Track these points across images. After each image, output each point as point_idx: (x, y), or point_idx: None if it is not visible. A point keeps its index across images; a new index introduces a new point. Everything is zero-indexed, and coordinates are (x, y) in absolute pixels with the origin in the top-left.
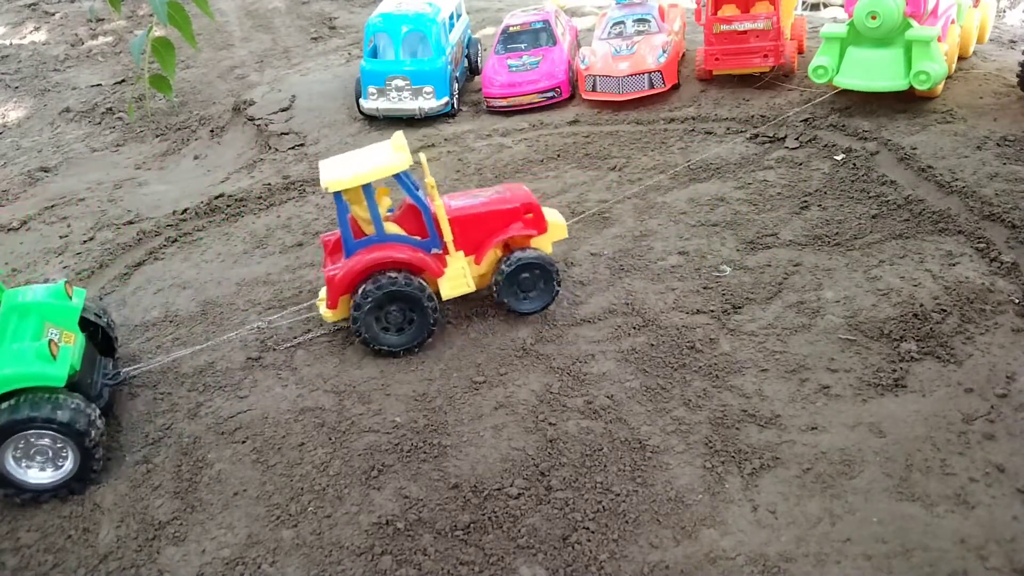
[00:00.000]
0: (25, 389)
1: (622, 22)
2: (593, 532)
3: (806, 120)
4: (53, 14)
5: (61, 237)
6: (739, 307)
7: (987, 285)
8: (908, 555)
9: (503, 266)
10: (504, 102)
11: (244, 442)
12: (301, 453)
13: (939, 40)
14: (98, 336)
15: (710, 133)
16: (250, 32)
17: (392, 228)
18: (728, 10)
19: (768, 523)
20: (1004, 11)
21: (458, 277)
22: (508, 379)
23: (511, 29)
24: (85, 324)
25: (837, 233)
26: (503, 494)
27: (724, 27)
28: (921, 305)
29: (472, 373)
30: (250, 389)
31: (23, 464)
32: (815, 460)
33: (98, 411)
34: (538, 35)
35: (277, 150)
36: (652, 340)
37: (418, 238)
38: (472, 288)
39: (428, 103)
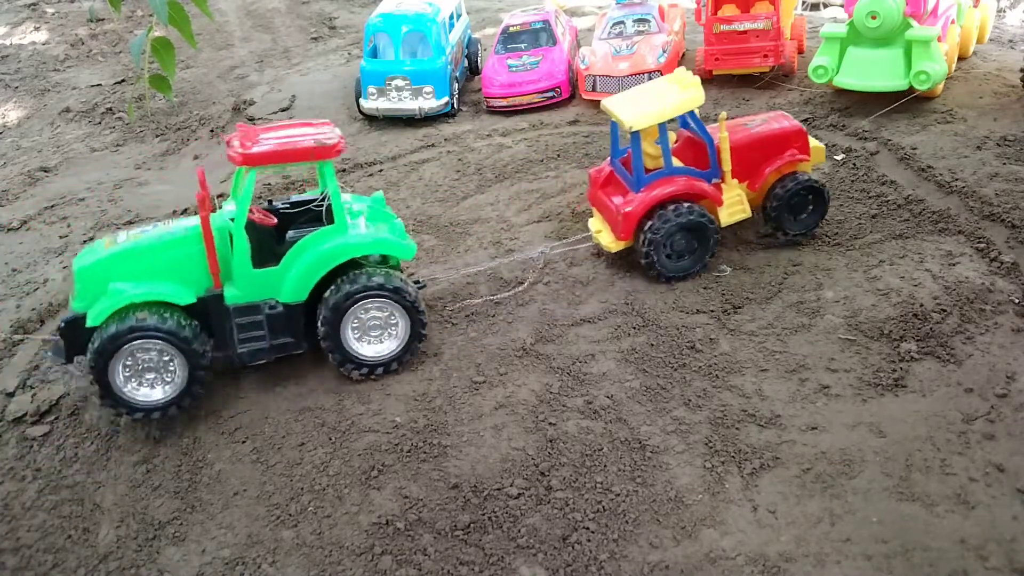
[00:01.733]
0: (357, 264)
1: (622, 22)
2: (593, 532)
3: (806, 120)
4: (53, 14)
5: (61, 237)
6: (739, 307)
7: (987, 285)
8: (908, 555)
9: (779, 190)
10: (504, 102)
11: (244, 442)
12: (301, 453)
13: (939, 40)
14: None
15: None
16: (250, 32)
17: (675, 161)
18: (728, 10)
19: (768, 523)
20: (1004, 11)
21: (735, 204)
22: (508, 379)
23: (511, 29)
24: None
25: (837, 233)
26: (503, 494)
27: (724, 27)
28: (921, 305)
29: (472, 373)
30: (250, 389)
31: (359, 338)
32: (815, 460)
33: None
34: (538, 35)
35: None
36: (652, 340)
37: (697, 170)
38: (748, 214)
39: (428, 103)
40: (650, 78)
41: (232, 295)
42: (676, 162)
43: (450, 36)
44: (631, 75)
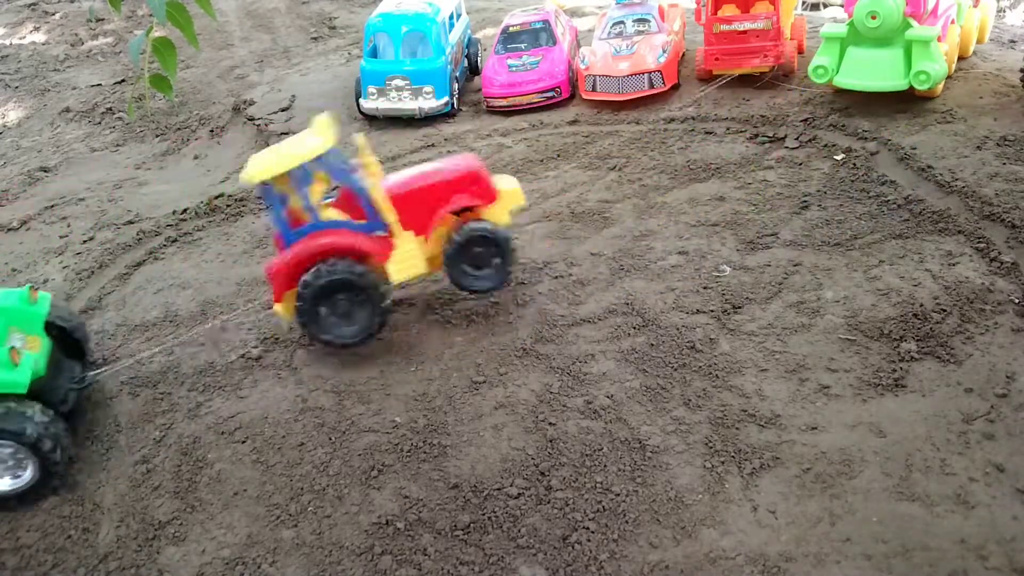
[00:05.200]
0: None
1: (622, 22)
2: (593, 532)
3: (806, 120)
4: (53, 14)
5: (61, 237)
6: (739, 307)
7: (987, 285)
8: (908, 555)
9: (446, 243)
10: (504, 102)
11: (244, 442)
12: (301, 453)
13: (939, 40)
14: (65, 341)
15: (710, 133)
16: (250, 32)
17: (330, 214)
18: (728, 10)
19: (768, 523)
20: (1004, 11)
21: (407, 259)
22: (508, 379)
23: (511, 29)
24: (53, 329)
25: (837, 233)
26: (503, 494)
27: (724, 27)
28: (921, 305)
29: (472, 373)
30: (250, 389)
31: None
32: (815, 460)
33: (58, 418)
34: (538, 35)
35: None
36: (652, 340)
37: (356, 222)
38: (423, 270)
39: (428, 103)
40: (650, 78)
41: None
42: (334, 214)
43: (450, 36)
44: (631, 75)
